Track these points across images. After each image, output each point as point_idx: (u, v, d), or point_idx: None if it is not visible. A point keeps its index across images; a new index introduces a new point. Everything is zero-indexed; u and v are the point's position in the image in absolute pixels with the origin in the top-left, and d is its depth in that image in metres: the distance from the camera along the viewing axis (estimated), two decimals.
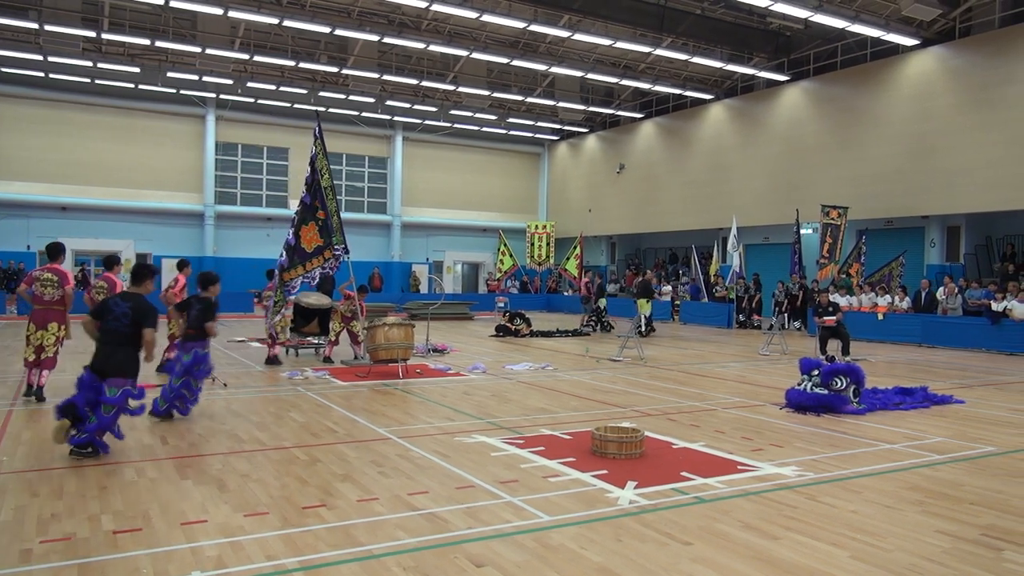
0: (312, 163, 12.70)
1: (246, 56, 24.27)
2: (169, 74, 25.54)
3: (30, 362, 8.62)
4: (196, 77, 25.91)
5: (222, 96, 28.48)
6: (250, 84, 26.93)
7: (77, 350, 13.40)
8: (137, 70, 25.29)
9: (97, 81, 26.24)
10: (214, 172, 29.60)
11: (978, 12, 20.08)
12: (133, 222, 28.00)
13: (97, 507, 4.91)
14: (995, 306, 16.78)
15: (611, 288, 30.45)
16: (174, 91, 27.49)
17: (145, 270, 7.00)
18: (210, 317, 8.03)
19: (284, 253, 11.94)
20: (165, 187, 28.88)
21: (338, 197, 13.40)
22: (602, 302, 20.75)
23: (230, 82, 26.75)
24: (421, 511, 4.91)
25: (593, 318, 21.46)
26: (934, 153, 20.50)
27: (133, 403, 6.41)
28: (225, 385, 10.05)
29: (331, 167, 13.43)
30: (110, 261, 9.93)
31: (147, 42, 22.71)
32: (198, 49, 23.53)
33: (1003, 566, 4.12)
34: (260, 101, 29.11)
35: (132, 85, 26.66)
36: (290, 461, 6.21)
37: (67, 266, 26.35)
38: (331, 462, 6.17)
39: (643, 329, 20.37)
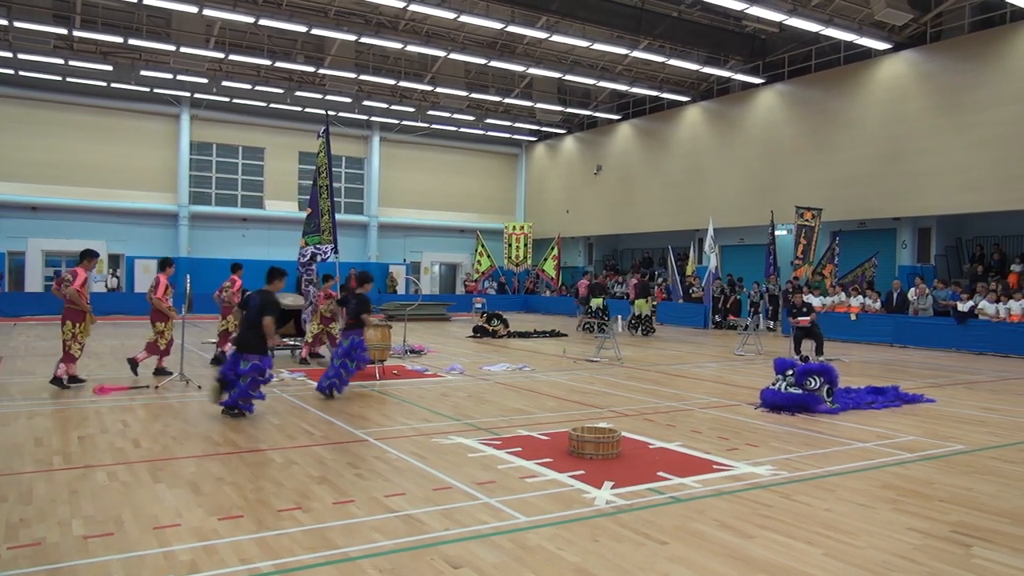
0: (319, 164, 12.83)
1: (221, 55, 24.05)
2: (143, 72, 25.23)
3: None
4: (170, 76, 25.62)
5: (197, 95, 28.19)
6: (225, 83, 26.68)
7: (49, 352, 13.21)
8: (110, 68, 24.95)
9: (69, 79, 25.86)
10: (188, 172, 29.30)
11: (948, 17, 20.42)
12: (105, 222, 27.61)
13: (67, 512, 4.83)
14: (961, 307, 17.08)
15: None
16: (148, 90, 27.17)
17: (276, 272, 8.69)
18: (365, 309, 9.48)
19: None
20: (138, 187, 28.53)
21: (336, 199, 13.43)
22: (596, 302, 20.30)
23: (205, 81, 26.49)
24: (398, 513, 4.89)
25: (593, 318, 21.41)
26: (906, 156, 20.82)
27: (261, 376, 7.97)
28: (199, 387, 9.94)
29: (325, 168, 13.33)
30: (86, 255, 9.91)
31: (120, 40, 22.41)
32: (172, 47, 23.26)
33: (972, 562, 4.19)
34: (236, 100, 28.85)
35: (105, 83, 26.31)
36: (265, 464, 6.16)
37: (38, 268, 26.23)
38: (307, 464, 6.13)
39: (641, 329, 20.66)
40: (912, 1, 19.44)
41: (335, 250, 12.72)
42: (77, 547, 4.23)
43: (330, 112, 30.77)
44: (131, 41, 22.50)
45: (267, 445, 6.82)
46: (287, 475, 5.79)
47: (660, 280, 27.93)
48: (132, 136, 28.42)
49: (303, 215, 32.74)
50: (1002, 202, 18.94)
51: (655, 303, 22.74)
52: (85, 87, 26.60)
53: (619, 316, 19.54)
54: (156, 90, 27.31)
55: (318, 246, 12.97)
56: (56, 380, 9.70)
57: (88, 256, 9.88)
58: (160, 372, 10.81)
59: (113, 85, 26.45)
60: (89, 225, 27.20)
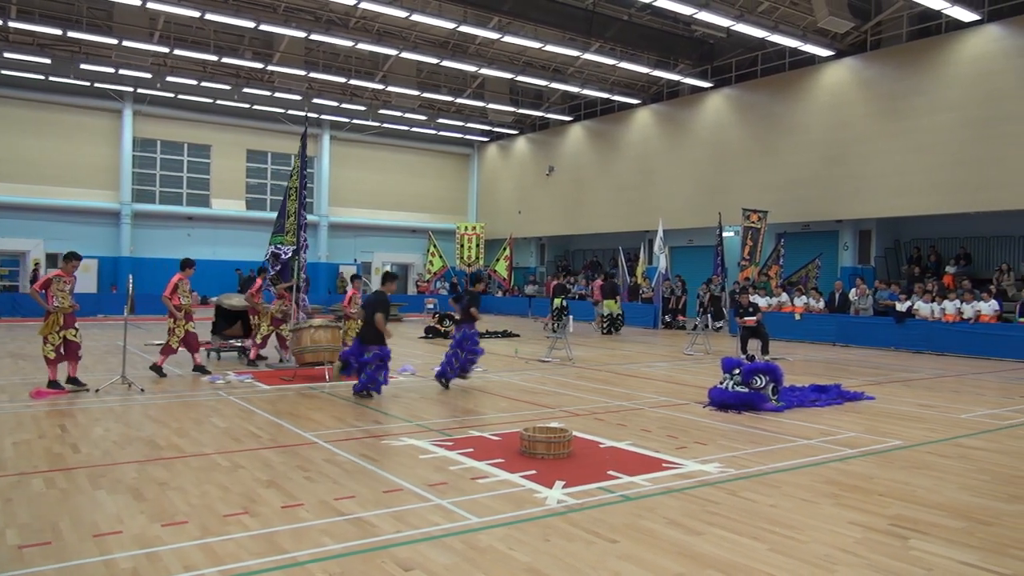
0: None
1: (166, 49, 23.44)
2: (83, 66, 24.46)
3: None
4: (112, 70, 24.90)
5: (140, 90, 27.46)
6: (170, 79, 26.04)
7: (21, 353, 12.71)
8: (48, 61, 24.10)
9: (4, 72, 24.92)
10: (131, 169, 28.50)
11: (888, 26, 21.08)
12: (43, 220, 26.70)
13: (1, 521, 4.65)
14: (899, 307, 17.65)
15: (529, 290, 30.77)
16: (88, 84, 26.37)
17: (390, 276, 10.27)
18: (474, 304, 10.81)
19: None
20: (78, 184, 27.65)
21: (307, 200, 13.26)
22: (557, 302, 20.26)
23: (148, 76, 25.80)
24: (348, 516, 4.84)
25: (606, 321, 21.68)
26: (847, 160, 21.42)
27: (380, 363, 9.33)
28: (142, 390, 9.69)
29: (296, 171, 13.06)
30: (69, 257, 9.78)
31: (59, 32, 21.67)
32: (114, 41, 22.59)
33: (910, 554, 4.33)
34: (181, 96, 28.18)
35: (43, 77, 25.43)
36: (211, 468, 6.02)
37: None
38: (254, 468, 6.02)
39: (607, 328, 21.28)
40: (853, 10, 20.01)
41: (296, 250, 12.55)
42: (11, 557, 4.07)
43: (279, 110, 30.30)
44: (70, 34, 21.77)
45: (213, 449, 6.68)
46: (233, 479, 5.68)
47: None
48: (72, 132, 27.53)
49: (251, 214, 32.40)
50: (938, 206, 19.64)
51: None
52: (22, 80, 25.67)
53: (570, 317, 19.65)
54: (97, 84, 26.51)
55: (279, 246, 12.89)
56: (72, 380, 9.71)
57: (66, 259, 9.73)
58: (155, 368, 11.14)
59: (52, 79, 25.59)
60: (26, 223, 26.28)
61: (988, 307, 16.14)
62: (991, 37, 18.62)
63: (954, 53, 19.30)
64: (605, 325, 21.41)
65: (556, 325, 18.78)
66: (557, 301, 20.13)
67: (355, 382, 9.62)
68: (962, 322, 16.48)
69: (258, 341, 12.89)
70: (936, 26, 19.92)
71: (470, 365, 10.75)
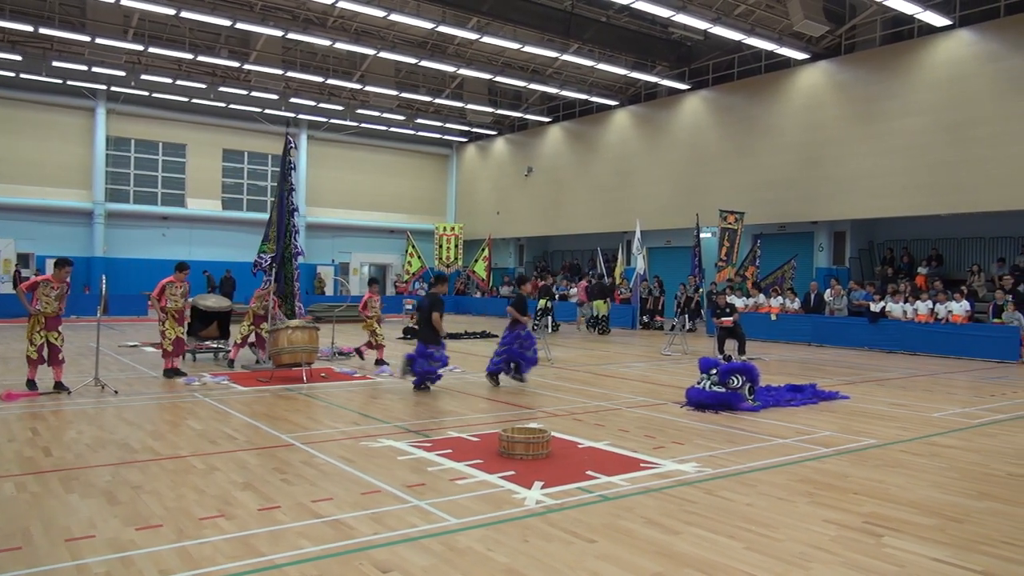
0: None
1: (140, 47, 23.19)
2: (55, 63, 24.11)
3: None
4: (85, 68, 24.58)
5: (114, 88, 27.11)
6: (144, 77, 25.74)
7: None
8: (19, 58, 23.74)
9: None
10: (104, 168, 28.14)
11: (862, 30, 21.36)
12: (14, 220, 26.30)
13: None
14: (873, 307, 17.89)
15: (506, 291, 30.78)
16: (61, 82, 25.99)
17: (441, 278, 10.93)
18: (521, 306, 10.98)
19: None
20: (50, 183, 27.26)
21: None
22: (542, 303, 20.19)
23: (122, 74, 25.49)
24: (325, 518, 4.81)
25: (601, 322, 21.96)
26: (822, 162, 21.67)
27: (435, 363, 10.18)
28: (116, 392, 9.56)
29: (281, 170, 12.89)
30: (61, 263, 9.62)
31: (30, 28, 21.34)
32: (87, 38, 22.30)
33: (883, 551, 4.39)
34: (155, 95, 27.87)
35: (13, 74, 25.04)
36: (186, 471, 5.96)
37: None
38: (231, 470, 5.96)
39: (598, 328, 21.60)
40: (828, 14, 20.27)
41: (273, 258, 12.42)
42: None
43: (255, 109, 30.06)
44: (42, 30, 21.47)
45: (188, 451, 6.60)
46: (209, 482, 5.62)
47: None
48: (43, 130, 27.13)
49: (227, 214, 32.11)
50: (910, 208, 19.94)
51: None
52: None
53: (548, 318, 19.71)
54: (70, 82, 26.14)
55: (262, 254, 12.79)
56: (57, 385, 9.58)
57: (57, 265, 9.60)
58: (172, 373, 11.09)
59: (23, 76, 25.19)
60: None
61: (960, 307, 16.40)
62: (962, 42, 18.94)
63: (926, 57, 19.60)
64: (600, 326, 21.73)
65: (537, 325, 18.93)
66: (542, 302, 20.29)
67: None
68: (934, 322, 16.73)
69: (238, 342, 12.79)
70: (908, 30, 20.22)
71: (527, 367, 11.01)
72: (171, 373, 11.06)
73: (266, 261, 12.67)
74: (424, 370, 10.10)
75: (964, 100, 18.74)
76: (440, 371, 10.44)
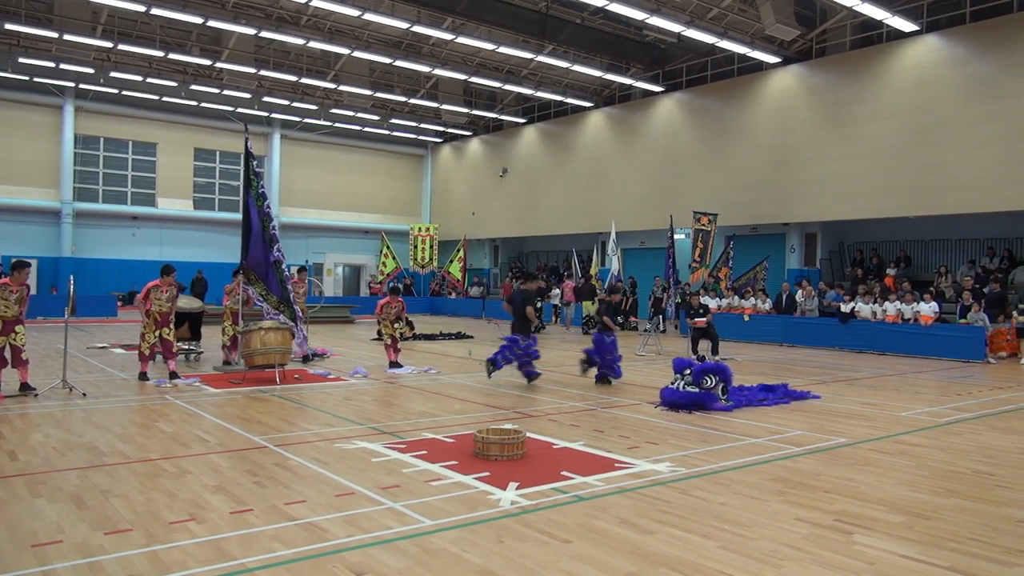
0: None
1: (109, 44, 22.82)
2: (21, 60, 23.67)
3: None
4: (52, 64, 24.14)
5: (82, 86, 26.67)
6: (114, 74, 25.36)
7: None
8: None
9: None
10: (72, 167, 27.66)
11: (832, 34, 21.66)
12: None
13: None
14: (843, 308, 18.15)
15: (475, 292, 30.82)
16: (27, 78, 25.50)
17: (530, 275, 12.20)
18: (608, 314, 11.69)
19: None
20: (15, 182, 26.75)
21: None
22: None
23: (91, 71, 25.08)
24: (298, 521, 4.77)
25: (590, 321, 22.25)
26: (794, 165, 21.94)
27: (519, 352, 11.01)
28: (84, 395, 9.40)
29: (245, 177, 12.03)
30: (18, 266, 9.45)
31: None
32: (55, 34, 21.91)
33: (853, 548, 4.45)
34: (125, 93, 27.46)
35: None
36: (156, 474, 5.88)
37: None
38: (202, 473, 5.89)
39: (589, 328, 21.79)
40: (800, 18, 20.52)
41: (241, 263, 11.93)
42: None
43: (227, 107, 29.74)
44: (8, 26, 21.05)
45: (158, 454, 6.51)
46: (180, 485, 5.55)
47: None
48: (9, 127, 26.62)
49: (199, 214, 31.66)
50: (879, 210, 20.26)
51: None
52: None
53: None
54: (37, 79, 25.66)
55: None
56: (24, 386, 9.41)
57: (13, 268, 9.43)
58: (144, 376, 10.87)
59: None
60: None
61: (928, 308, 16.69)
62: (929, 47, 19.29)
63: (894, 62, 19.93)
64: (585, 323, 22.27)
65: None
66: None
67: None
68: (903, 323, 17.01)
69: (227, 343, 12.65)
70: (878, 35, 20.55)
71: (612, 372, 11.40)
72: (144, 376, 10.89)
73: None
74: (524, 354, 10.97)
75: (931, 104, 19.08)
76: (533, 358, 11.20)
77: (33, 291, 25.67)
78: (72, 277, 10.59)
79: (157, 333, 10.87)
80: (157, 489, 5.44)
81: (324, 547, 4.32)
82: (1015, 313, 16.15)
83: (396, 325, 12.99)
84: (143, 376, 10.87)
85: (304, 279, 14.56)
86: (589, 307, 22.11)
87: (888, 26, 19.47)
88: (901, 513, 5.14)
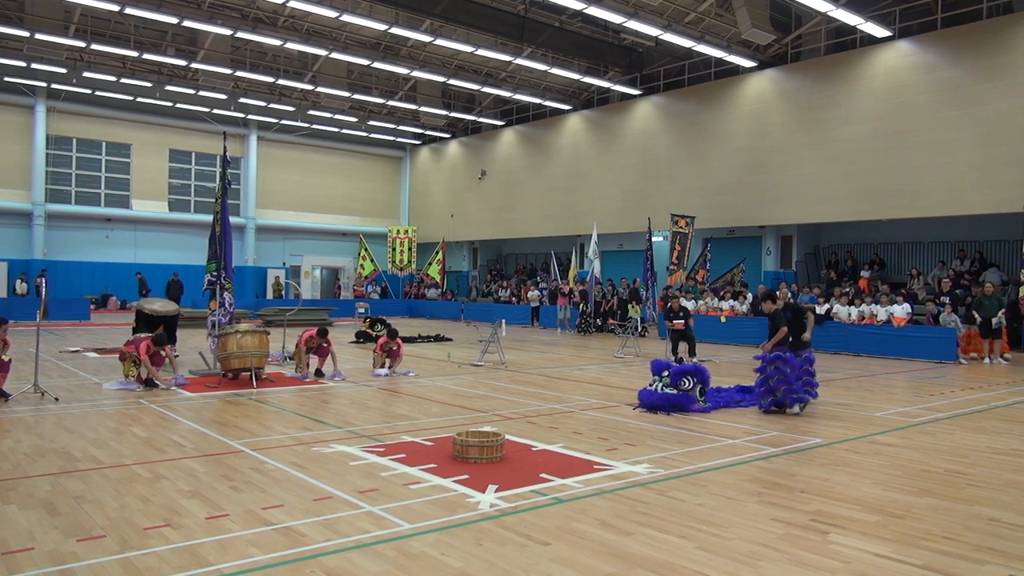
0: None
1: (82, 43, 22.52)
2: None
3: None
4: (24, 64, 23.77)
5: (54, 86, 26.28)
6: (87, 74, 25.01)
7: None
8: None
9: None
10: (44, 168, 27.25)
11: (807, 40, 21.92)
12: None
13: None
14: (818, 309, 18.33)
15: (431, 293, 30.92)
16: None
17: (769, 295, 10.08)
18: (779, 323, 9.49)
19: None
20: None
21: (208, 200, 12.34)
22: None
23: (63, 71, 24.72)
24: (275, 526, 4.73)
25: (589, 319, 22.84)
26: (769, 168, 22.16)
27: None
28: (56, 399, 9.25)
29: (222, 183, 11.91)
30: None
31: None
32: (26, 33, 21.57)
33: (829, 547, 4.50)
34: (99, 93, 27.12)
35: None
36: (131, 479, 5.80)
37: None
38: (177, 478, 5.82)
39: (581, 326, 22.72)
40: (775, 23, 20.74)
41: (213, 281, 11.77)
42: None
43: (203, 109, 29.46)
44: None
45: (132, 459, 6.43)
46: (154, 490, 5.48)
47: (543, 285, 28.40)
48: None
49: (173, 216, 31.32)
50: (853, 213, 20.52)
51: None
52: None
53: (503, 320, 19.70)
54: (7, 79, 25.26)
55: (212, 273, 11.96)
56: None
57: None
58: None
59: None
60: None
61: (901, 309, 16.91)
62: (901, 53, 19.57)
63: (867, 67, 20.20)
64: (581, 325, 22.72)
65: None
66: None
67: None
68: (877, 325, 17.22)
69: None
70: (851, 40, 20.83)
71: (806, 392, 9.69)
72: (153, 383, 10.43)
73: (216, 280, 12.03)
74: (803, 385, 9.24)
75: (903, 109, 19.37)
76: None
77: (3, 293, 25.33)
78: (44, 280, 10.43)
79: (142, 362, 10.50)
80: (131, 495, 5.37)
81: (302, 552, 4.29)
82: (1000, 315, 16.07)
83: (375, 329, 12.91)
84: (151, 383, 10.46)
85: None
86: (634, 311, 22.46)
87: (861, 32, 19.74)
88: (875, 512, 5.20)
